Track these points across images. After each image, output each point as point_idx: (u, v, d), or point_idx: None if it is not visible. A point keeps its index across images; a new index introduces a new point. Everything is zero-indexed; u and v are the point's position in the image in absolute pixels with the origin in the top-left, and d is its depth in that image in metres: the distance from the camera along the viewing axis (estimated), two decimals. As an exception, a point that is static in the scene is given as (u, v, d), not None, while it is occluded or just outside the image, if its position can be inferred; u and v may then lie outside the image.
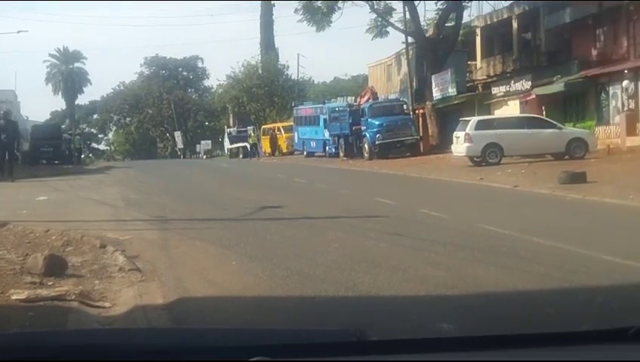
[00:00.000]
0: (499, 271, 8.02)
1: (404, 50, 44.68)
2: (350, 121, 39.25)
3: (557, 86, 33.66)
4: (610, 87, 32.80)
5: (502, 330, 2.49)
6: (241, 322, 5.91)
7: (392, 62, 51.25)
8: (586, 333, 2.34)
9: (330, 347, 2.16)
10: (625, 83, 31.11)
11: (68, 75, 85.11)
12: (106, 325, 6.10)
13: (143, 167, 41.32)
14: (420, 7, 42.81)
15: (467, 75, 45.76)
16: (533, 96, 34.88)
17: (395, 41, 77.50)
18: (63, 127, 64.13)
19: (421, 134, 39.04)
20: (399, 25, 43.50)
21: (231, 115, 72.00)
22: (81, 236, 10.59)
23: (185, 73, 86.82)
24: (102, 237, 10.59)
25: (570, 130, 28.65)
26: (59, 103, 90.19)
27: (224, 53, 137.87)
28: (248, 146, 52.57)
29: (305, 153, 46.37)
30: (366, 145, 36.87)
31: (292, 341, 2.22)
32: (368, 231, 11.44)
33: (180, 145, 74.99)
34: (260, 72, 68.14)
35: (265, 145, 53.35)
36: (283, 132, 51.72)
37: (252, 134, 49.68)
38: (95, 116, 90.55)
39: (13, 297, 6.80)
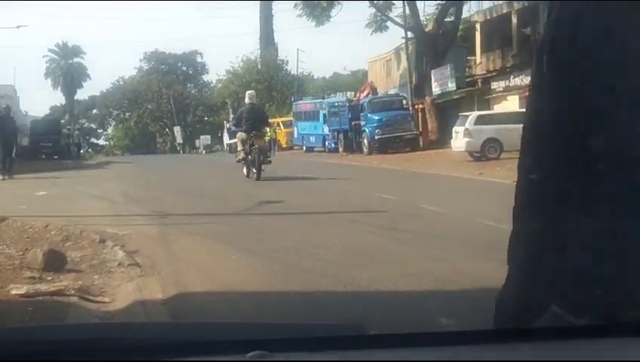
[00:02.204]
0: (499, 265, 8.00)
1: (403, 45, 44.65)
2: (349, 116, 39.28)
3: (556, 81, 33.67)
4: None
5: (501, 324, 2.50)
6: (240, 317, 5.92)
7: (391, 57, 51.24)
8: (585, 327, 2.35)
9: (328, 341, 2.16)
10: (624, 78, 31.13)
11: (67, 70, 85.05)
12: (105, 320, 6.10)
13: (142, 162, 41.34)
14: (420, 3, 42.91)
15: (467, 70, 45.75)
16: (533, 91, 34.87)
17: (395, 36, 77.53)
18: (63, 122, 64.15)
19: (420, 129, 39.08)
20: (399, 20, 43.49)
21: (230, 110, 71.98)
22: (80, 231, 10.59)
23: (184, 68, 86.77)
24: (101, 232, 10.58)
25: (570, 125, 28.66)
26: (58, 98, 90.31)
27: (223, 48, 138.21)
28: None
29: (304, 148, 46.38)
30: (365, 141, 36.89)
31: (290, 335, 2.22)
32: (368, 226, 11.44)
33: (179, 140, 74.98)
34: (260, 67, 68.17)
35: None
36: (282, 127, 51.72)
37: (268, 129, 48.85)
38: (94, 111, 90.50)
39: (13, 292, 6.81)
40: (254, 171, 20.59)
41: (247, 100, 22.43)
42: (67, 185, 21.46)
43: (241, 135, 21.26)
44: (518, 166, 2.46)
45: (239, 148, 21.30)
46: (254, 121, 21.08)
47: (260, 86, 66.96)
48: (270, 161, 21.41)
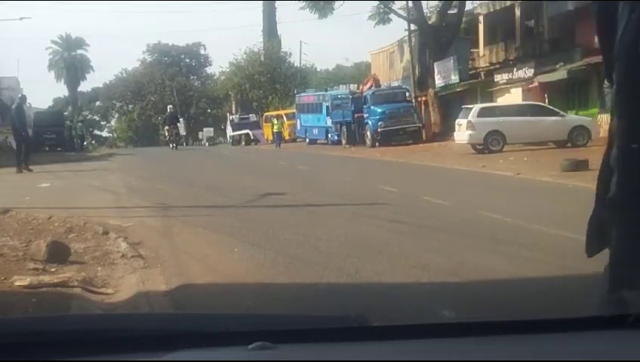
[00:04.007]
0: (500, 258, 8.03)
1: (406, 38, 44.57)
2: (352, 108, 39.24)
3: (560, 73, 33.57)
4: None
5: (503, 316, 2.51)
6: (243, 308, 5.93)
7: (394, 49, 51.14)
8: (586, 320, 2.35)
9: (331, 332, 2.17)
10: (628, 70, 30.99)
11: (70, 61, 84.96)
12: (108, 311, 6.11)
13: (145, 154, 41.34)
14: (423, -5, 42.77)
15: (470, 62, 45.65)
16: (536, 84, 34.80)
17: (398, 29, 77.33)
18: (66, 114, 64.07)
19: (423, 122, 38.99)
20: (402, 12, 43.40)
21: (233, 102, 71.98)
22: (83, 223, 10.60)
23: (187, 60, 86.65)
24: (104, 224, 10.60)
25: (573, 117, 28.60)
26: (61, 90, 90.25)
27: (227, 41, 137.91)
28: (253, 133, 52.62)
29: (307, 140, 46.37)
30: (368, 133, 36.86)
31: (293, 326, 2.23)
32: (370, 218, 11.45)
33: (182, 132, 74.88)
34: (263, 59, 68.11)
35: (267, 132, 53.36)
36: (285, 119, 51.68)
37: (275, 122, 48.41)
38: (97, 103, 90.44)
39: (17, 283, 6.82)
40: (176, 145, 44.11)
41: (168, 110, 48.63)
42: (70, 177, 21.46)
43: (167, 127, 46.24)
44: (614, 135, 2.67)
45: (167, 134, 46.50)
46: (172, 121, 45.77)
47: (262, 78, 66.94)
48: (182, 138, 51.23)
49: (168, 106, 50.62)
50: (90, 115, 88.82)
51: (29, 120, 44.68)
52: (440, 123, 39.16)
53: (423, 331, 2.26)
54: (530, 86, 35.21)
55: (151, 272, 7.76)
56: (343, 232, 10.05)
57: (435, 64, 40.56)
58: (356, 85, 46.35)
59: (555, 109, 27.95)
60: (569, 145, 25.92)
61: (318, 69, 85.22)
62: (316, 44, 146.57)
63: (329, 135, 42.96)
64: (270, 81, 67.25)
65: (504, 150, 25.94)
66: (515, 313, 5.42)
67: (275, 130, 46.37)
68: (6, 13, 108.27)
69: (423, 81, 42.74)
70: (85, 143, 55.36)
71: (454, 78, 39.48)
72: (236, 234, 10.08)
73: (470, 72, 44.19)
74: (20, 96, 25.24)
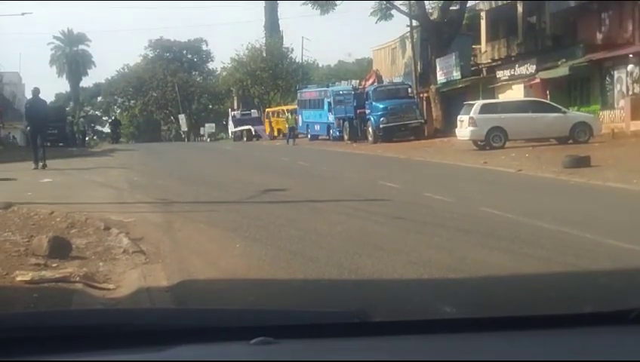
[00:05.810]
0: (502, 254, 8.03)
1: (408, 34, 44.51)
2: (354, 104, 39.20)
3: (561, 70, 33.53)
4: (615, 72, 32.64)
5: (504, 313, 2.51)
6: (245, 304, 5.93)
7: (396, 45, 51.07)
8: (587, 316, 2.35)
9: (332, 328, 2.18)
10: (630, 67, 30.96)
11: (72, 57, 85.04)
12: (110, 306, 6.12)
13: (147, 149, 41.32)
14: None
15: (472, 58, 45.60)
16: (538, 80, 34.76)
17: (400, 25, 77.25)
18: (68, 109, 64.16)
19: (425, 118, 38.97)
20: (404, 8, 43.32)
21: (235, 98, 71.94)
22: (85, 218, 10.60)
23: (189, 56, 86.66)
24: (106, 220, 10.59)
25: (575, 114, 28.54)
26: (63, 86, 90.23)
27: (228, 36, 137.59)
28: (255, 129, 52.64)
29: (309, 136, 46.32)
30: (370, 129, 36.83)
31: (294, 322, 2.23)
32: (372, 214, 11.45)
33: (184, 128, 74.99)
34: (265, 55, 68.01)
35: (268, 128, 53.38)
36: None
37: (289, 117, 46.63)
38: (99, 99, 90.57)
39: (18, 278, 6.83)
40: (116, 141, 59.08)
41: (113, 117, 73.92)
42: (72, 172, 21.46)
43: (111, 127, 64.35)
44: None
45: (111, 133, 63.55)
46: (115, 124, 64.82)
47: (264, 74, 66.87)
48: (119, 135, 66.64)
49: (113, 114, 75.24)
50: (91, 111, 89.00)
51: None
52: (442, 119, 39.13)
53: (424, 327, 2.26)
54: (532, 82, 35.16)
55: (152, 268, 7.76)
56: (344, 228, 10.04)
57: (437, 60, 40.51)
58: (358, 81, 46.20)
59: (557, 106, 27.90)
60: (571, 141, 25.89)
61: (320, 65, 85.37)
62: (318, 40, 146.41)
63: (331, 131, 42.92)
64: (272, 76, 67.21)
65: (506, 146, 25.92)
66: (517, 309, 5.43)
67: (288, 125, 44.91)
68: (8, 8, 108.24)
69: (425, 77, 42.69)
70: (87, 139, 55.39)
71: (456, 75, 39.43)
72: (238, 230, 10.08)
73: (472, 68, 44.14)
74: (33, 88, 24.97)
